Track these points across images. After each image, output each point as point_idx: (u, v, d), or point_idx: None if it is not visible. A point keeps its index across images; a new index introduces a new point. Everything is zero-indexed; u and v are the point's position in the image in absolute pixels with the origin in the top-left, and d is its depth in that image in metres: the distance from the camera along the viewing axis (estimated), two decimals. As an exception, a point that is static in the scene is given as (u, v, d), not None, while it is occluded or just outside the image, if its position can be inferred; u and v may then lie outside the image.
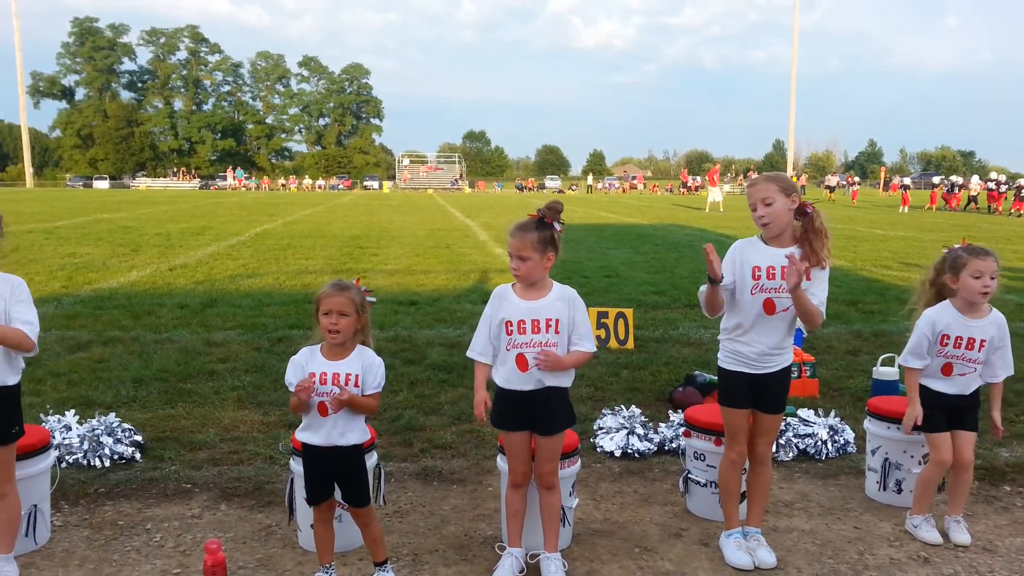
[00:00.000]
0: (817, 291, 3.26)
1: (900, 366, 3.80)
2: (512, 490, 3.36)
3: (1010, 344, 3.64)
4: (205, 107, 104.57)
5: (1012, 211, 32.25)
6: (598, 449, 4.74)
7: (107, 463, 4.40)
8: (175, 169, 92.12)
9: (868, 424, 4.25)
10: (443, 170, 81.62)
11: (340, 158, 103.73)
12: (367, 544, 3.22)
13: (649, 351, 7.16)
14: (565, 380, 3.24)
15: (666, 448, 4.74)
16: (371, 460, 3.46)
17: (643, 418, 4.96)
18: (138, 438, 4.64)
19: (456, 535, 3.70)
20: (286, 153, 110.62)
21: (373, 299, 3.18)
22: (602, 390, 5.98)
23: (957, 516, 3.71)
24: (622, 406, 5.15)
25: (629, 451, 4.67)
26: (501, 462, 3.54)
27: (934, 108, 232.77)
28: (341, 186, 78.27)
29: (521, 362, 3.16)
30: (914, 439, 3.93)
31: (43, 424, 4.56)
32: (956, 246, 3.63)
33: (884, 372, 5.48)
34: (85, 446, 4.43)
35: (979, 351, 3.58)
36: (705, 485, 3.90)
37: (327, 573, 3.16)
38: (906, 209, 34.52)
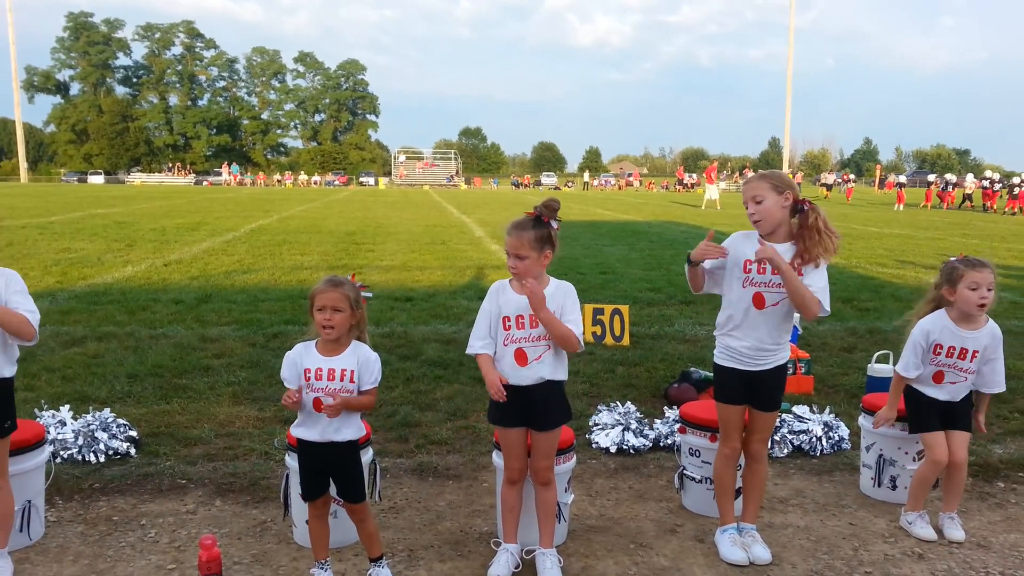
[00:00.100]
0: (812, 283, 3.24)
1: (896, 373, 3.80)
2: (508, 486, 3.36)
3: (1002, 357, 3.66)
4: (200, 102, 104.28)
5: (1007, 209, 32.35)
6: (593, 445, 4.75)
7: (102, 458, 4.39)
8: (170, 164, 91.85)
9: (863, 421, 4.26)
10: (439, 166, 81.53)
11: (336, 154, 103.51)
12: (362, 540, 3.21)
13: (645, 347, 7.17)
14: (561, 373, 3.23)
15: (661, 444, 4.74)
16: (366, 456, 3.46)
17: (638, 414, 4.96)
18: (133, 434, 4.63)
19: (451, 531, 3.70)
20: (282, 149, 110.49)
21: (369, 295, 3.18)
22: (597, 386, 5.98)
23: (951, 513, 3.73)
24: (617, 402, 5.15)
25: (624, 447, 4.68)
26: (496, 458, 3.54)
27: (929, 106, 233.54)
28: (337, 182, 78.07)
29: (520, 357, 3.16)
30: (908, 436, 3.94)
31: (38, 419, 4.54)
32: (953, 259, 3.64)
33: (879, 369, 5.49)
34: (80, 441, 4.41)
35: (971, 361, 3.60)
36: (700, 481, 3.91)
37: (322, 569, 3.16)
38: (901, 207, 34.60)
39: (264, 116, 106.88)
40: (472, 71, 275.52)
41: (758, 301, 3.32)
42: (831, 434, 4.77)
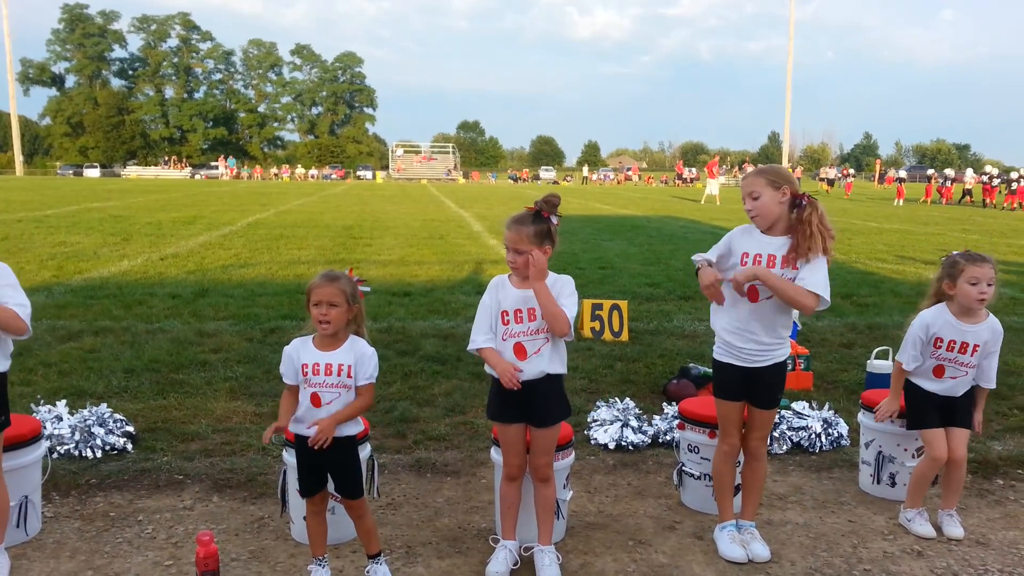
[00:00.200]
0: (807, 276, 3.21)
1: (897, 365, 3.80)
2: (507, 483, 3.35)
3: (998, 353, 3.65)
4: (197, 95, 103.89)
5: (1005, 204, 32.37)
6: (592, 441, 4.73)
7: (98, 454, 4.37)
8: (166, 158, 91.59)
9: (862, 417, 4.26)
10: (437, 160, 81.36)
11: (333, 147, 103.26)
12: (360, 536, 3.20)
13: (643, 343, 7.16)
14: (560, 367, 3.22)
15: (660, 441, 4.74)
16: (364, 452, 3.44)
17: (637, 410, 4.95)
18: (130, 429, 4.61)
19: (450, 527, 3.69)
20: (279, 142, 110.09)
21: (367, 289, 3.16)
22: (596, 382, 5.97)
23: (950, 510, 3.73)
24: (616, 398, 5.14)
25: (623, 443, 4.67)
26: (495, 454, 3.53)
27: (929, 101, 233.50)
28: (334, 176, 77.84)
29: (519, 351, 3.14)
30: (908, 433, 3.94)
31: (34, 414, 4.52)
32: (955, 253, 3.63)
33: (878, 365, 5.48)
34: (76, 437, 4.39)
35: (972, 355, 3.59)
36: (699, 478, 3.90)
37: (320, 565, 3.15)
38: (901, 202, 34.62)
39: (261, 109, 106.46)
40: (470, 64, 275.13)
41: (752, 293, 3.31)
42: (830, 431, 4.76)
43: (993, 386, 3.71)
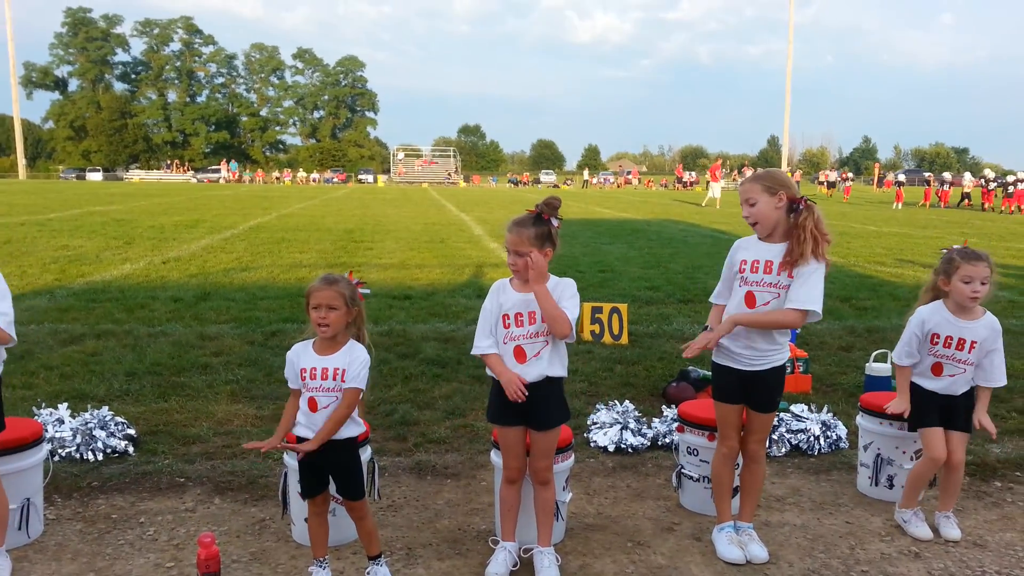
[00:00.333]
0: (795, 288, 3.22)
1: (892, 363, 3.83)
2: (507, 485, 3.36)
3: (1001, 350, 3.63)
4: (199, 99, 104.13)
5: (1003, 208, 32.35)
6: (592, 444, 4.75)
7: (100, 457, 4.39)
8: (169, 161, 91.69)
9: (860, 420, 4.27)
10: (438, 164, 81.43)
11: (335, 151, 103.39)
12: (361, 538, 3.22)
13: (643, 346, 7.18)
14: (560, 370, 3.23)
15: (659, 443, 4.75)
16: (365, 454, 3.46)
17: (636, 413, 4.97)
18: (131, 432, 4.63)
19: (450, 529, 3.71)
20: (280, 146, 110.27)
21: (367, 291, 3.18)
22: (596, 385, 5.99)
23: (948, 512, 3.74)
24: (616, 401, 5.16)
25: (622, 446, 4.69)
26: (495, 457, 3.54)
27: (928, 105, 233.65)
28: (335, 179, 78.00)
29: (519, 354, 3.16)
30: (906, 435, 3.95)
31: (36, 417, 4.54)
32: (956, 247, 3.64)
33: (877, 368, 5.50)
34: (78, 440, 4.41)
35: (969, 352, 3.59)
36: (698, 480, 3.92)
37: (321, 567, 3.16)
38: (900, 206, 34.61)
39: (263, 113, 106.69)
40: (471, 68, 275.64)
41: (749, 300, 3.32)
42: (829, 433, 4.78)
43: (1003, 383, 3.66)
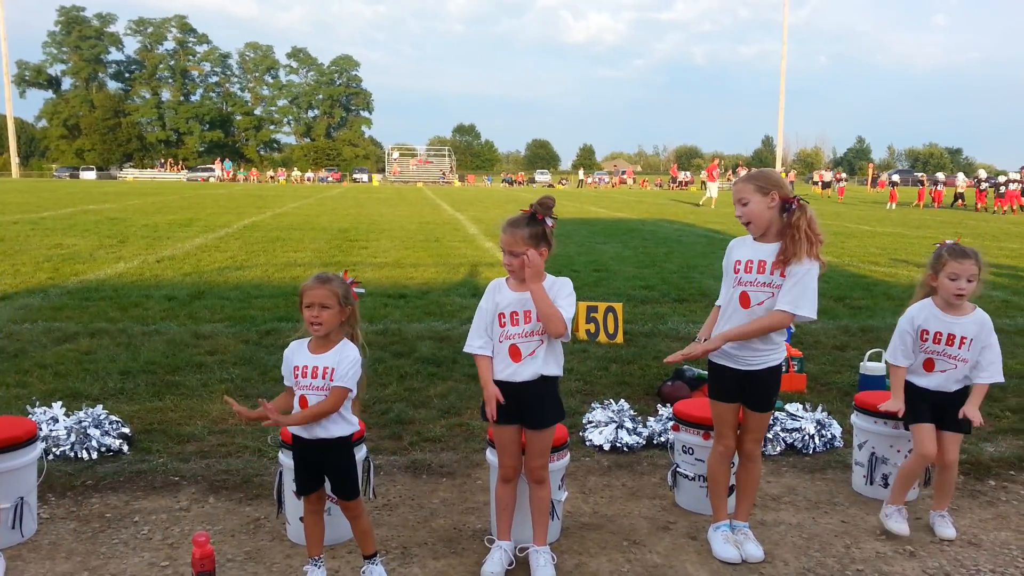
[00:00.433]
0: (784, 290, 3.23)
1: (887, 363, 3.84)
2: (502, 484, 3.37)
3: (995, 345, 3.62)
4: (193, 98, 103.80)
5: (995, 208, 32.47)
6: (587, 443, 4.75)
7: (94, 455, 4.38)
8: (162, 160, 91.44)
9: (855, 419, 4.28)
10: (433, 163, 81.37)
11: (329, 150, 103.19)
12: (356, 537, 3.21)
13: (638, 345, 7.18)
14: (555, 369, 3.24)
15: (655, 442, 4.76)
16: (360, 453, 3.46)
17: (632, 412, 4.97)
18: (126, 430, 4.61)
19: (445, 528, 3.71)
20: (275, 145, 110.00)
21: (362, 291, 3.17)
22: (591, 384, 5.99)
23: (942, 511, 3.75)
24: (611, 400, 5.16)
25: (618, 445, 4.69)
26: (490, 456, 3.54)
27: (922, 105, 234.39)
28: (330, 179, 77.86)
29: (514, 353, 3.16)
30: (901, 434, 3.96)
31: (30, 416, 4.53)
32: (948, 242, 3.66)
33: (871, 367, 5.52)
34: (72, 438, 4.40)
35: (960, 348, 3.60)
36: (693, 479, 3.92)
37: (316, 566, 3.16)
38: (894, 206, 34.72)
39: (257, 112, 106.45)
40: (466, 68, 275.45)
41: (743, 300, 3.33)
42: (823, 432, 4.79)
43: (998, 379, 3.63)
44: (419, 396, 5.60)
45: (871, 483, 4.15)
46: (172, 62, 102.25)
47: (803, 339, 7.31)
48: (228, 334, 7.29)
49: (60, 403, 4.73)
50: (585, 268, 12.09)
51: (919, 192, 38.68)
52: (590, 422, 4.90)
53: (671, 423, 4.19)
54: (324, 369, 2.98)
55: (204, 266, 11.75)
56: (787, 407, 4.96)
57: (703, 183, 37.84)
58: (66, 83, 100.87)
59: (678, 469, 4.00)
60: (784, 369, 5.70)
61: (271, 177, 77.52)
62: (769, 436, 4.68)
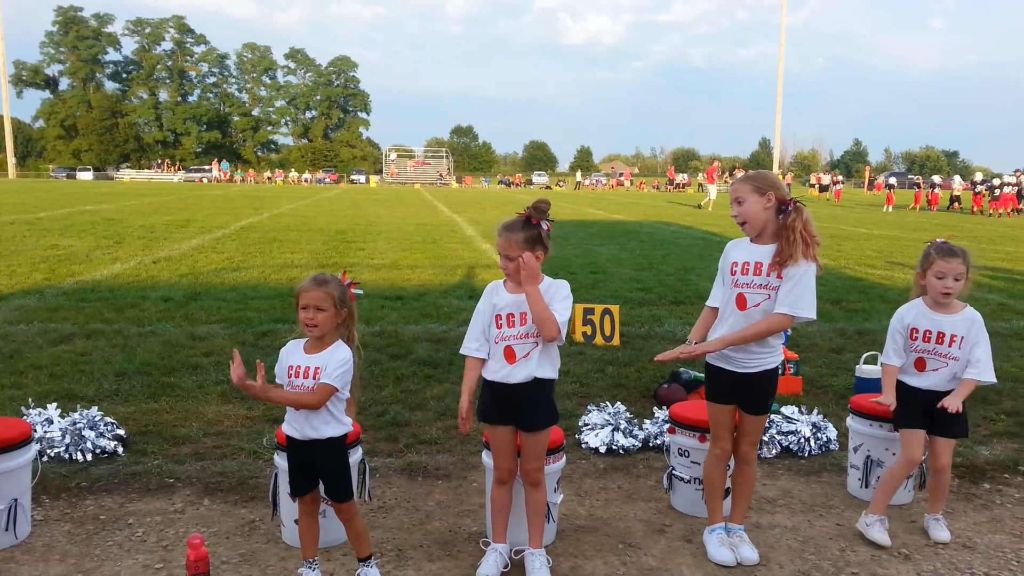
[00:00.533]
0: (782, 291, 3.23)
1: (882, 364, 3.85)
2: (497, 487, 3.36)
3: (987, 345, 3.61)
4: (190, 98, 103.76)
5: (990, 211, 32.53)
6: (583, 445, 4.75)
7: (89, 457, 4.37)
8: (159, 161, 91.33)
9: (851, 422, 4.28)
10: (430, 165, 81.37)
11: (327, 152, 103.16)
12: (350, 539, 3.21)
13: (635, 348, 7.18)
14: (550, 372, 3.24)
15: (651, 444, 4.76)
16: (355, 455, 3.45)
17: (628, 414, 4.97)
18: (121, 432, 4.61)
19: (441, 531, 3.70)
20: (272, 146, 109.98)
21: (360, 292, 3.17)
22: (587, 386, 5.99)
23: (937, 514, 3.76)
24: (607, 402, 5.16)
25: (614, 447, 4.69)
26: (486, 458, 3.54)
27: (919, 108, 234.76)
28: (327, 180, 77.84)
29: (508, 354, 3.17)
30: (896, 437, 3.96)
31: (24, 417, 4.51)
32: (939, 240, 3.67)
33: (867, 370, 5.52)
34: (67, 440, 4.39)
35: (951, 346, 3.59)
36: (689, 481, 3.92)
37: (310, 568, 3.15)
38: (890, 208, 34.78)
39: (255, 113, 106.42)
40: (464, 69, 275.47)
41: (740, 302, 3.34)
42: (819, 435, 4.79)
43: (991, 379, 3.59)
44: (415, 398, 5.59)
45: (866, 486, 4.15)
46: (170, 62, 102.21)
47: (799, 342, 7.32)
48: (224, 335, 7.28)
49: (55, 404, 4.72)
50: (582, 270, 12.09)
51: (915, 195, 38.76)
52: (586, 425, 4.90)
53: (667, 426, 4.19)
54: (316, 369, 2.98)
55: (200, 267, 11.74)
56: (783, 410, 4.97)
57: (700, 185, 37.93)
58: (63, 83, 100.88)
59: (674, 472, 4.00)
60: (780, 372, 5.72)
61: (268, 178, 77.48)
62: (765, 439, 4.69)
